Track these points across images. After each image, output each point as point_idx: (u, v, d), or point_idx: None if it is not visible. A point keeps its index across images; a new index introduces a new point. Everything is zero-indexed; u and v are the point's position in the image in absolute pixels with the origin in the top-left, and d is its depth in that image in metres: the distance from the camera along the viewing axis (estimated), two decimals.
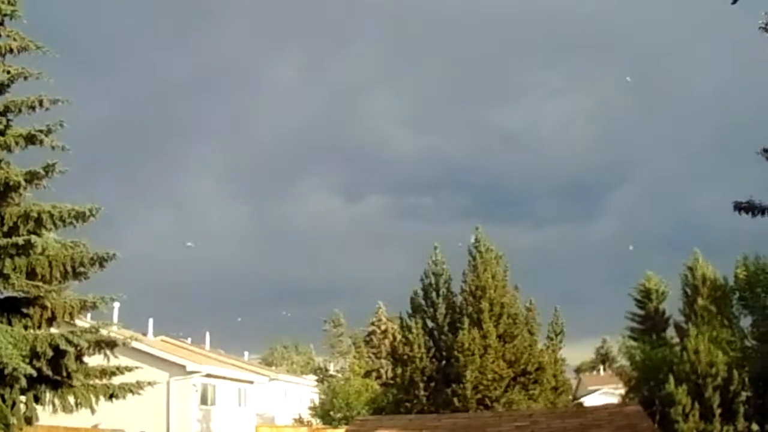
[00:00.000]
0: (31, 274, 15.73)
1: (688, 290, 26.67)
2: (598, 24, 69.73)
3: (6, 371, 14.02)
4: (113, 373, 17.20)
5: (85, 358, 16.70)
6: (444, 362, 21.93)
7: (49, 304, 16.22)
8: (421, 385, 21.51)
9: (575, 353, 62.91)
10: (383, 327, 57.62)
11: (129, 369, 17.55)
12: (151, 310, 39.85)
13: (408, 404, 21.55)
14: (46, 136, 16.38)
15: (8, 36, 16.74)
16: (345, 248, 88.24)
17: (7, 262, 15.22)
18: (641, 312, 31.89)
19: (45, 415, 16.34)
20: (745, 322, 25.51)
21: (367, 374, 49.67)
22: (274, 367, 61.55)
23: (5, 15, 16.77)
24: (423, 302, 22.80)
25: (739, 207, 9.14)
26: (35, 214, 15.79)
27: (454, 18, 75.86)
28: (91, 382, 16.71)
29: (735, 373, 20.45)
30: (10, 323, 15.56)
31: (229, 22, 78.43)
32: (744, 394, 20.33)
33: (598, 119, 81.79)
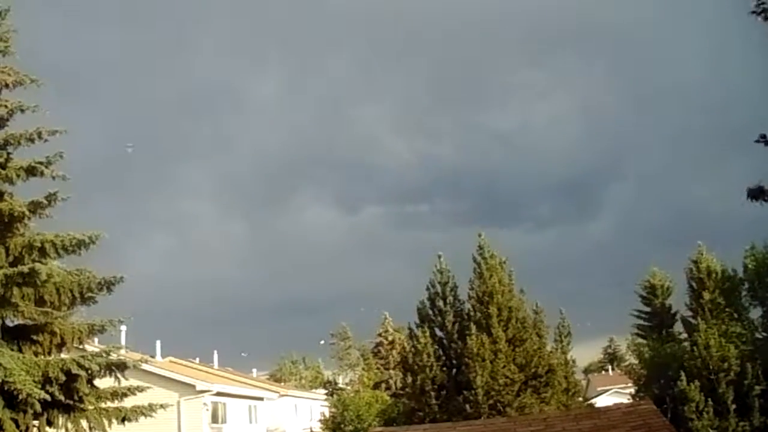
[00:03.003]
0: (39, 302, 15.90)
1: (694, 284, 26.32)
2: (579, 19, 70.07)
3: (20, 397, 14.19)
4: (124, 395, 17.27)
5: (96, 381, 16.75)
6: (454, 370, 21.86)
7: (57, 330, 16.35)
8: (433, 393, 21.43)
9: (583, 354, 62.61)
10: (390, 338, 57.54)
11: (140, 389, 17.61)
12: (157, 332, 39.85)
13: (420, 413, 21.47)
14: (47, 167, 16.50)
15: (3, 71, 16.85)
16: (345, 260, 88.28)
17: (15, 290, 15.32)
18: (647, 309, 31.73)
19: None
20: (755, 313, 25.29)
21: (377, 385, 49.58)
22: (283, 383, 61.36)
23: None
24: (430, 311, 22.75)
25: (753, 194, 8.58)
26: (39, 244, 15.99)
27: (436, 21, 76.20)
28: (104, 406, 16.78)
29: (748, 366, 20.21)
30: (20, 350, 15.69)
31: (211, 43, 78.86)
32: (758, 388, 20.07)
33: (588, 115, 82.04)
